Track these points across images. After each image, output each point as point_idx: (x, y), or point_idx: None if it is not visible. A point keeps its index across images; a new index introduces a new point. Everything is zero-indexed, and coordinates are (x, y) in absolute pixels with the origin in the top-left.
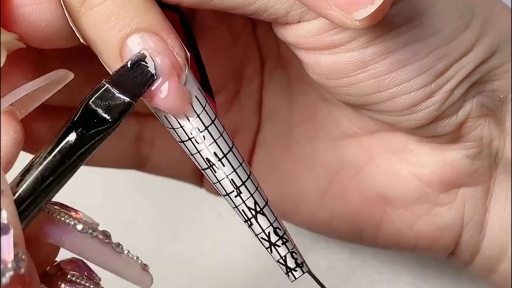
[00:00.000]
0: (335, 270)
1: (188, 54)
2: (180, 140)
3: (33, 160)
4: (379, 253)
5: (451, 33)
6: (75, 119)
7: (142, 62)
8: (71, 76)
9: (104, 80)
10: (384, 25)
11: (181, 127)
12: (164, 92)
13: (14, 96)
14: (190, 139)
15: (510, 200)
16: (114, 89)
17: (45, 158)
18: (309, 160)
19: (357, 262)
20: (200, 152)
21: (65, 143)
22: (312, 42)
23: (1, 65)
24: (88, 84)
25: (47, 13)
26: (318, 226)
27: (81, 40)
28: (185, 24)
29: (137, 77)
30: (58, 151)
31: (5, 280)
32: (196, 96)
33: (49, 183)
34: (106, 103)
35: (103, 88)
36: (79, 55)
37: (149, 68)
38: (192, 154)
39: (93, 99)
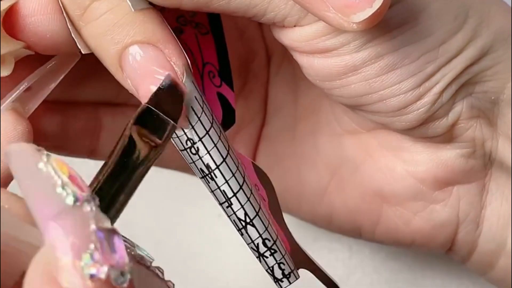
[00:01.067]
0: (335, 269)
1: (188, 61)
2: (178, 149)
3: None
4: (378, 253)
5: (442, 36)
6: (126, 148)
7: (173, 84)
8: (75, 58)
9: (145, 103)
10: (376, 28)
11: (178, 137)
12: None
13: (16, 92)
14: (185, 149)
15: (506, 196)
16: (157, 111)
17: (108, 192)
18: (311, 155)
19: (357, 261)
20: (195, 162)
21: (120, 175)
22: (305, 46)
23: (10, 73)
24: (98, 79)
25: (51, 24)
26: (319, 220)
27: (83, 51)
28: None
29: (172, 98)
30: (116, 185)
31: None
32: (192, 107)
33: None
34: (152, 128)
35: (147, 113)
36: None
37: (178, 88)
38: (189, 164)
39: (137, 120)
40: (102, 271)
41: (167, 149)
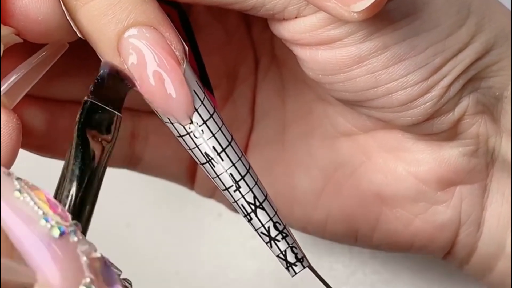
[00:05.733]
0: (335, 271)
1: (187, 48)
2: (179, 135)
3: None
4: (378, 254)
5: (448, 29)
6: (79, 147)
7: (114, 72)
8: (61, 50)
9: (86, 97)
10: (381, 19)
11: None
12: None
13: (5, 87)
14: (188, 133)
15: (507, 198)
16: (100, 103)
17: (74, 205)
18: (303, 159)
19: (357, 263)
20: (199, 146)
21: (82, 172)
22: (308, 38)
23: None
24: (87, 76)
25: (44, 6)
26: (312, 227)
27: (79, 34)
28: (184, 20)
29: (114, 86)
30: (80, 195)
31: None
32: (194, 90)
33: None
34: (98, 121)
35: (90, 106)
36: (79, 47)
37: (121, 77)
38: (190, 149)
39: (84, 121)
40: None
41: (155, 154)
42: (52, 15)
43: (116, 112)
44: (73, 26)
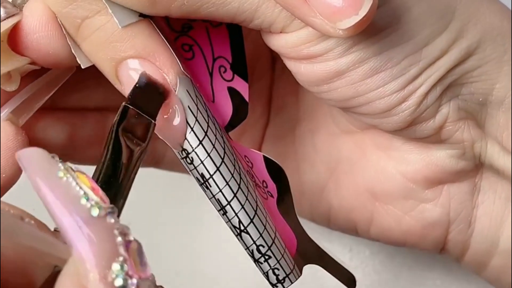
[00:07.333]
0: None
1: (181, 69)
2: (179, 158)
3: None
4: (378, 254)
5: (425, 38)
6: (114, 146)
7: (151, 83)
8: (70, 72)
9: (124, 102)
10: (359, 33)
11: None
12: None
13: (13, 105)
14: (182, 158)
15: (499, 195)
16: (137, 110)
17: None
18: (310, 154)
19: (357, 262)
20: (191, 171)
21: (112, 180)
22: (291, 53)
23: (17, 88)
24: (104, 85)
25: (53, 41)
26: (318, 218)
27: (82, 66)
28: None
29: (150, 96)
30: (112, 191)
31: None
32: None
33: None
34: (133, 125)
35: (127, 110)
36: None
37: (155, 85)
38: (188, 172)
39: (120, 123)
40: (132, 283)
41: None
42: (61, 49)
43: (150, 119)
44: (77, 59)
